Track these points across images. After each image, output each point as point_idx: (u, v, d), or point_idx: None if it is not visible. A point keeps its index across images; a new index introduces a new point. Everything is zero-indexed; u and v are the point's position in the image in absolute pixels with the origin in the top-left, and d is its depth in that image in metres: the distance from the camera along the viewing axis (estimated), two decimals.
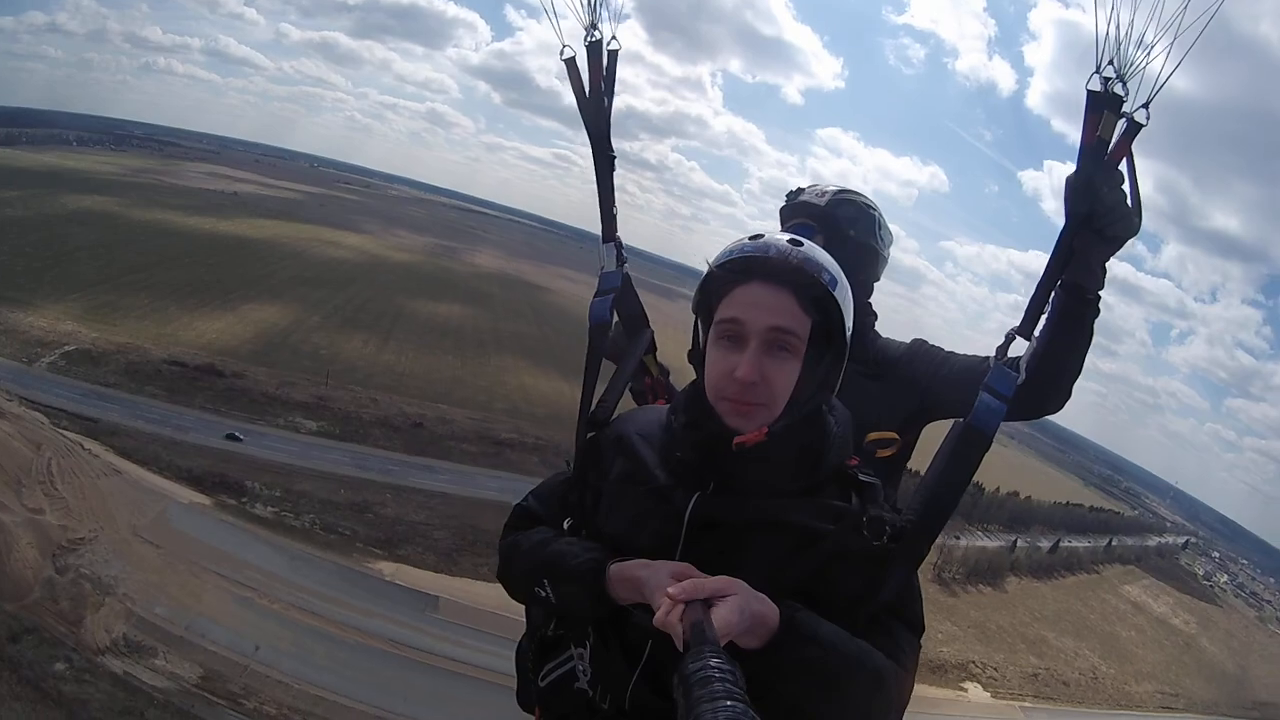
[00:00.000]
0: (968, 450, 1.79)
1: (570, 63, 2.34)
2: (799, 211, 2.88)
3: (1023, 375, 1.87)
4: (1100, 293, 2.12)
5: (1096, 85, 1.84)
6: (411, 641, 34.25)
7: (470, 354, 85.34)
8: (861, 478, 1.71)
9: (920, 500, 1.76)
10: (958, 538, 77.51)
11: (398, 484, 49.49)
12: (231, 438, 52.54)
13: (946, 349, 2.80)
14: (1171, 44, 1.78)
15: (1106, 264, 2.06)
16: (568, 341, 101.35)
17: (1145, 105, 1.82)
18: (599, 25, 2.30)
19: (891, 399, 2.66)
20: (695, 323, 1.75)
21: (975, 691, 53.63)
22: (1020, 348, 1.90)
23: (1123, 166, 1.90)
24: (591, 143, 2.38)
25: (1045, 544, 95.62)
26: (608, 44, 2.30)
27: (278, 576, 37.15)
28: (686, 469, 1.69)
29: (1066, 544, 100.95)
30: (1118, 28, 1.82)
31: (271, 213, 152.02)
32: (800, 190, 2.95)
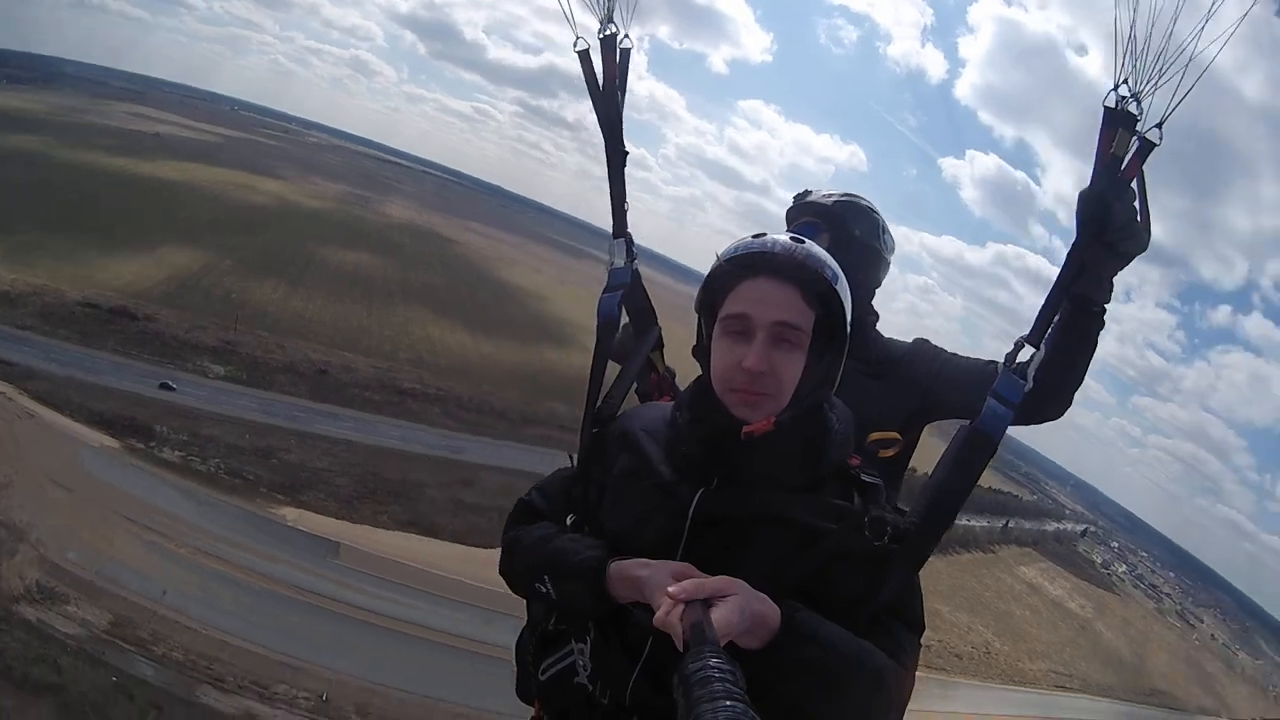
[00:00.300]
0: (973, 455, 1.82)
1: (584, 56, 2.34)
2: (806, 211, 2.93)
3: (1030, 383, 1.91)
4: (1106, 305, 2.17)
5: (1112, 102, 1.87)
6: (314, 587, 34.27)
7: (378, 303, 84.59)
8: (864, 478, 1.73)
9: (924, 502, 1.78)
10: None
11: (302, 430, 49.20)
12: (165, 387, 51.70)
13: (949, 350, 2.83)
14: (1186, 67, 1.83)
15: (1114, 278, 2.14)
16: (474, 294, 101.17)
17: (1158, 125, 1.86)
18: (614, 19, 2.31)
19: (893, 398, 2.68)
20: (699, 320, 1.78)
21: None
22: (1027, 355, 1.94)
23: (1134, 184, 1.95)
24: (605, 137, 2.37)
25: None
26: (620, 40, 2.31)
27: (184, 520, 36.88)
28: (691, 465, 1.71)
29: (964, 522, 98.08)
30: (1133, 47, 1.86)
31: (191, 155, 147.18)
32: (808, 192, 3.00)
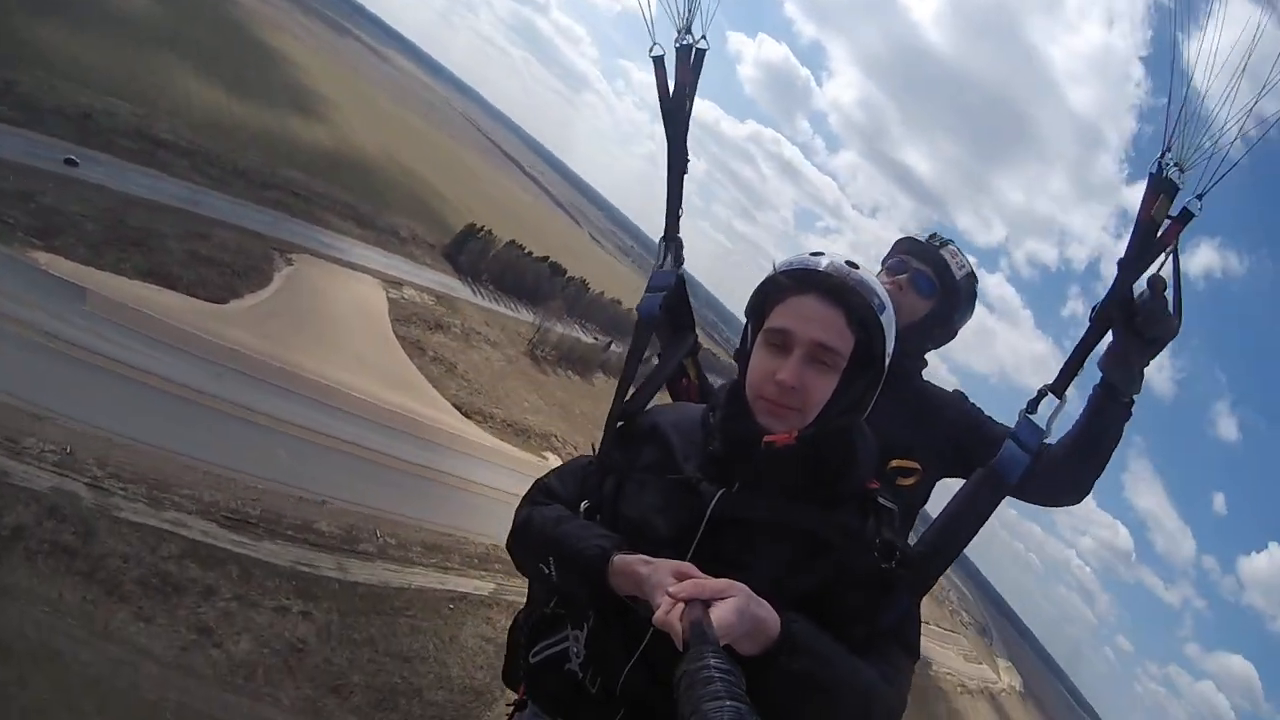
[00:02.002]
0: (988, 493, 1.89)
1: (659, 61, 2.32)
2: (930, 261, 2.73)
3: (1049, 432, 1.95)
4: (1136, 397, 2.10)
5: (1156, 169, 1.89)
6: (62, 334, 33.19)
7: (147, 51, 76.81)
8: (880, 501, 1.70)
9: (934, 533, 1.83)
10: (555, 325, 78.73)
11: (61, 174, 45.98)
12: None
13: (984, 412, 2.68)
14: (1231, 144, 1.84)
15: (1145, 369, 2.05)
16: (236, 54, 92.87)
17: (1199, 196, 1.86)
18: (693, 29, 2.29)
19: (925, 439, 2.52)
20: (746, 324, 1.75)
21: (555, 462, 52.21)
22: (1050, 405, 1.97)
23: (1167, 269, 1.91)
24: (669, 142, 2.33)
25: None
26: (697, 43, 2.30)
27: None
28: (716, 464, 1.68)
29: (658, 362, 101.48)
30: (1181, 117, 1.88)
31: None
32: (947, 242, 2.79)
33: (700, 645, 1.18)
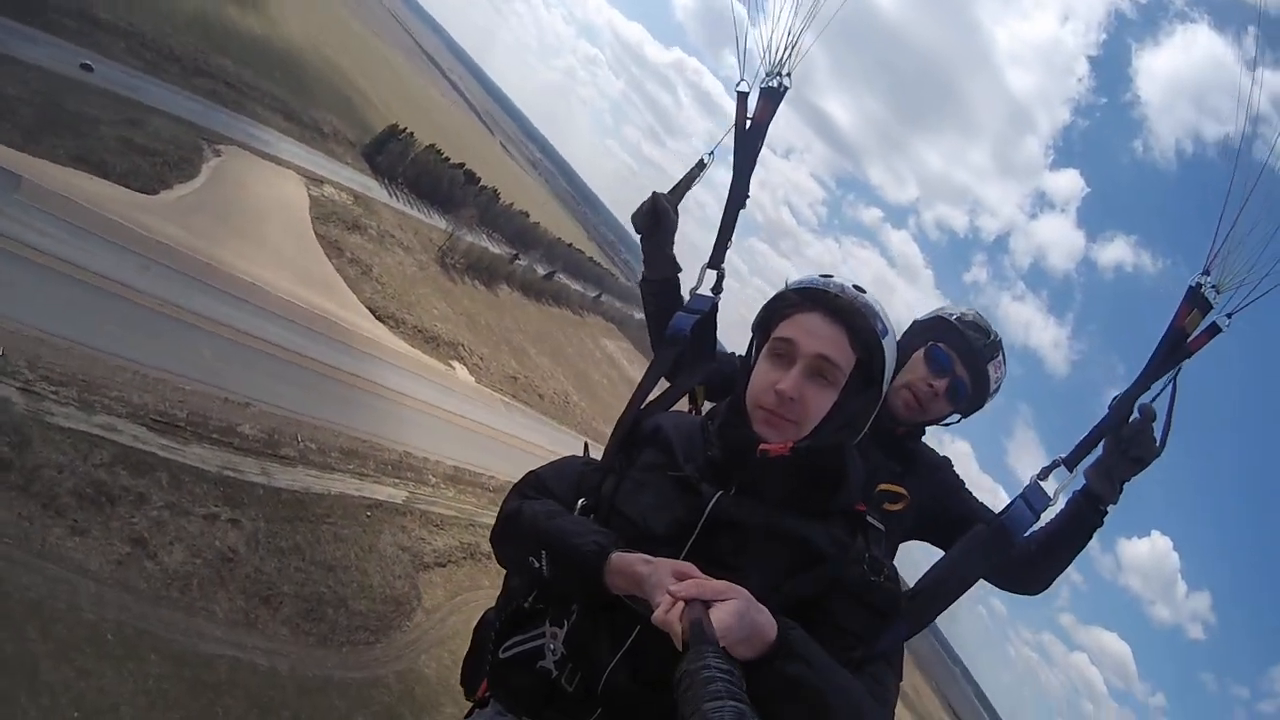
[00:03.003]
0: (993, 544, 1.95)
1: (743, 96, 2.36)
2: (972, 369, 2.62)
3: (1055, 501, 2.04)
4: (1112, 506, 2.13)
5: (1195, 283, 1.99)
6: None
7: None
8: (869, 520, 1.72)
9: (939, 573, 1.87)
10: (465, 234, 76.22)
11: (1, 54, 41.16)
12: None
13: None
14: (1263, 279, 1.93)
15: (1125, 483, 2.09)
16: None
17: (1229, 315, 1.96)
18: (784, 73, 2.32)
19: (911, 487, 2.51)
20: (752, 337, 1.78)
21: (462, 372, 54.84)
22: (1059, 476, 2.07)
23: (1162, 399, 2.01)
24: (735, 175, 2.37)
25: (542, 270, 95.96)
26: (782, 82, 2.33)
27: None
28: (714, 468, 1.68)
29: (561, 279, 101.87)
30: (1227, 248, 1.96)
31: None
32: (996, 344, 2.67)
33: (700, 645, 1.18)
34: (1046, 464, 2.12)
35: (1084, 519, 2.17)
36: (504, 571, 1.96)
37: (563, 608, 1.71)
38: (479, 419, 51.37)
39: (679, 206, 2.48)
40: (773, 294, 1.77)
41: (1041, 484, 2.07)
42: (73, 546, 22.16)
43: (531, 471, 1.94)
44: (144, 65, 53.75)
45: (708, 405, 2.29)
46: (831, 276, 1.73)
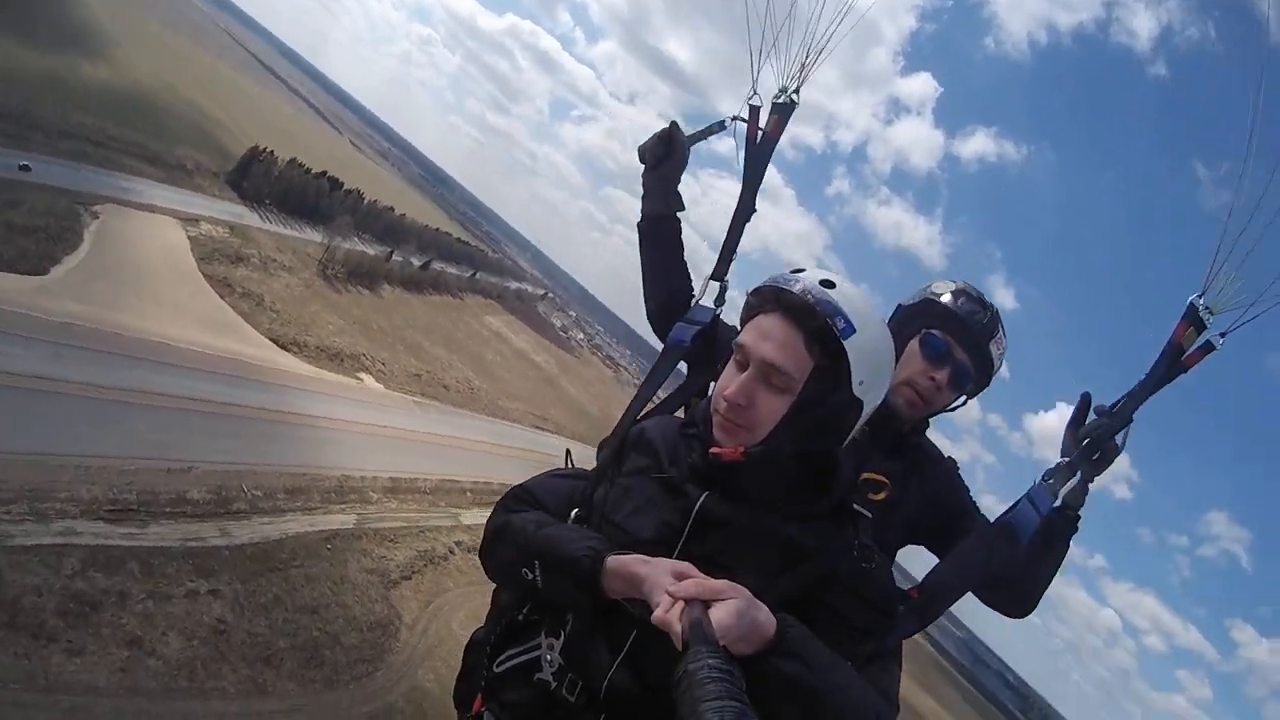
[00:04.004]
0: (999, 543, 1.93)
1: (754, 110, 2.31)
2: (973, 352, 2.35)
3: (1060, 501, 2.06)
4: (1081, 512, 2.14)
5: (1192, 306, 2.03)
6: None
7: None
8: (855, 507, 1.66)
9: (944, 571, 1.86)
10: (340, 242, 74.52)
11: None
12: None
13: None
14: (1254, 303, 1.98)
15: (1090, 484, 2.12)
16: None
17: (1222, 335, 2.02)
18: (799, 90, 2.28)
19: (914, 486, 2.34)
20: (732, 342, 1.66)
21: (370, 382, 54.01)
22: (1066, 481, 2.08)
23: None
24: (744, 189, 2.30)
25: (417, 262, 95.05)
26: (792, 100, 2.28)
27: None
28: (697, 471, 1.62)
29: (437, 266, 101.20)
30: (1226, 274, 2.00)
31: None
32: (995, 319, 2.40)
33: (700, 645, 1.15)
34: (1051, 467, 2.13)
35: (1059, 531, 2.15)
36: (483, 583, 1.86)
37: (557, 617, 1.63)
38: (398, 425, 50.90)
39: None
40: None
41: (1047, 484, 2.09)
42: (75, 669, 21.05)
43: (517, 485, 1.85)
44: (7, 140, 49.51)
45: None
46: (803, 270, 1.59)
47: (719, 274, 2.29)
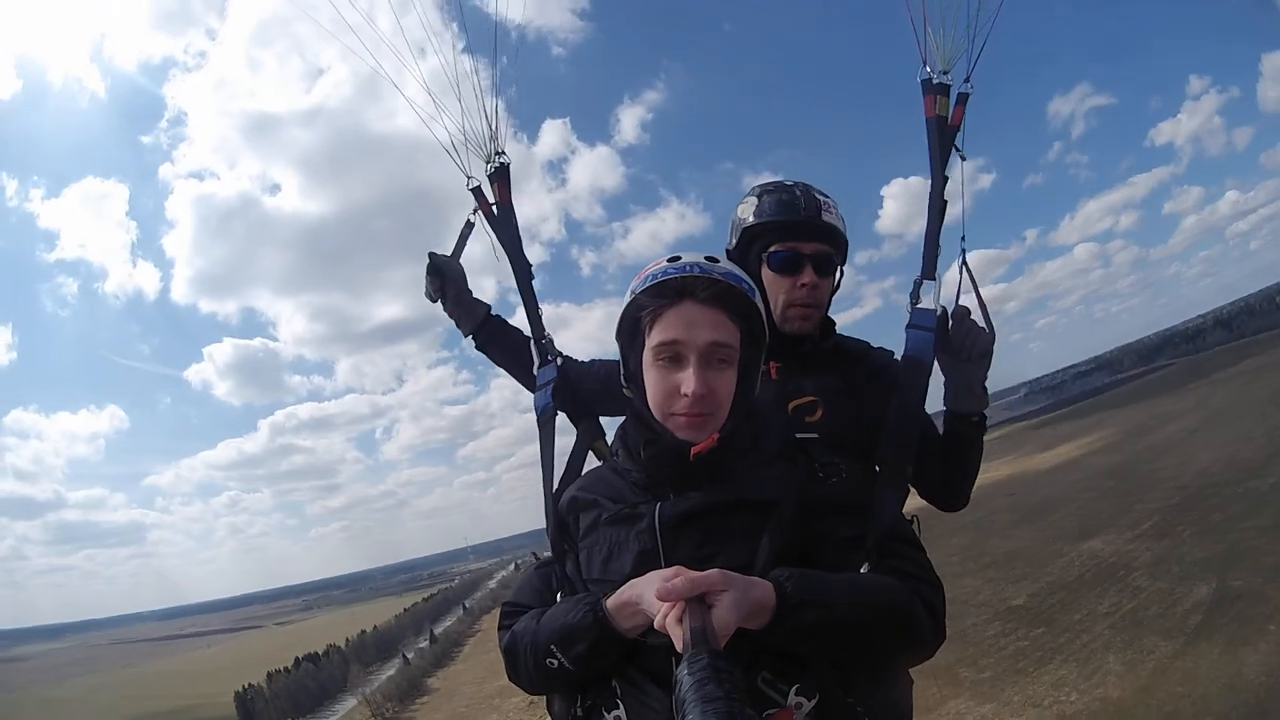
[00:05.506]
0: (913, 378, 1.86)
1: (477, 191, 2.28)
2: (822, 237, 2.06)
3: (938, 309, 1.90)
4: (984, 411, 2.02)
5: (923, 78, 2.00)
6: None
7: None
8: (799, 438, 1.65)
9: (889, 431, 1.78)
10: None
11: None
12: None
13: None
14: (971, 33, 1.95)
15: (985, 382, 1.99)
16: None
17: (967, 79, 1.99)
18: (504, 152, 2.26)
19: (858, 398, 2.02)
20: (622, 352, 1.62)
21: None
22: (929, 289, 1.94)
23: (970, 297, 1.95)
24: (510, 256, 2.26)
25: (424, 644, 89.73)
26: (503, 160, 2.29)
27: None
28: (642, 491, 1.57)
29: (438, 631, 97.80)
30: (926, 44, 1.97)
31: None
32: (827, 205, 2.08)
33: (700, 646, 1.11)
34: (910, 289, 1.98)
35: (968, 436, 2.05)
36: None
37: (605, 688, 1.50)
38: None
39: (460, 260, 2.35)
40: (627, 300, 1.56)
41: (920, 306, 1.96)
42: None
43: (504, 602, 1.78)
44: None
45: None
46: (679, 257, 1.54)
47: (537, 334, 2.25)
